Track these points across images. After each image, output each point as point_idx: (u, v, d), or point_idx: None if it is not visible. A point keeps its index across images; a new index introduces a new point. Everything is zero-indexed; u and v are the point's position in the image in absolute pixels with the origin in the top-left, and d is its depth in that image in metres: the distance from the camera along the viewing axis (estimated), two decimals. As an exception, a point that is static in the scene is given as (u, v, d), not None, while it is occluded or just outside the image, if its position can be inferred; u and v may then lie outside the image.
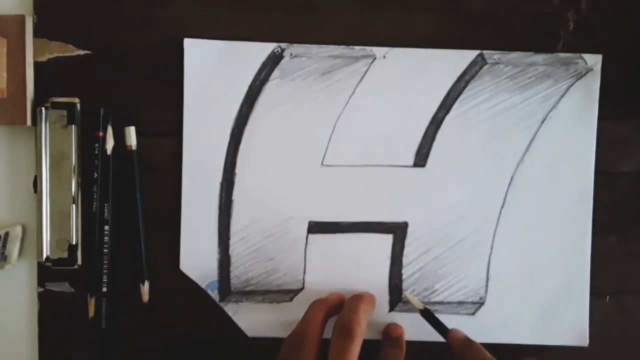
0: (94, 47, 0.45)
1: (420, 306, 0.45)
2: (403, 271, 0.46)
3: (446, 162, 0.46)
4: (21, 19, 0.44)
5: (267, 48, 0.46)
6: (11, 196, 0.46)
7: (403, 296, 0.46)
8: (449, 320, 0.46)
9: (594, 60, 0.46)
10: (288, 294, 0.47)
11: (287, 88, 0.46)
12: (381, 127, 0.46)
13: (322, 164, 0.46)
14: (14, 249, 0.46)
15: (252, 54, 0.46)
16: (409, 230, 0.46)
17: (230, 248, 0.46)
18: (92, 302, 0.46)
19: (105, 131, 0.45)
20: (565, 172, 0.46)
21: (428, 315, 0.45)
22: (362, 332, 0.41)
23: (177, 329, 0.46)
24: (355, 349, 0.40)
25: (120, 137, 0.45)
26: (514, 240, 0.46)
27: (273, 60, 0.46)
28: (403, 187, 0.46)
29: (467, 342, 0.44)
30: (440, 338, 0.46)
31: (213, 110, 0.46)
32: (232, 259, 0.46)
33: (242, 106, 0.46)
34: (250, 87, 0.46)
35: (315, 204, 0.46)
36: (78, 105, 0.45)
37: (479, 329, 0.46)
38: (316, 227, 0.46)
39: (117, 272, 0.46)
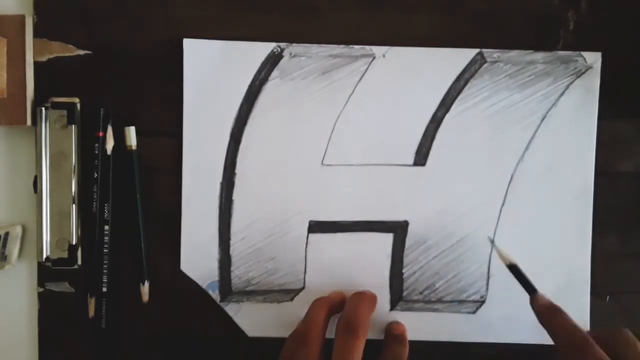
0: (94, 47, 0.46)
1: (508, 261, 0.44)
2: (404, 270, 0.46)
3: (446, 160, 0.46)
4: (21, 19, 0.44)
5: (266, 48, 0.46)
6: (11, 196, 0.46)
7: (493, 248, 0.46)
8: (449, 319, 0.46)
9: (594, 58, 0.46)
10: (289, 293, 0.46)
11: (287, 88, 0.46)
12: (381, 126, 0.46)
13: (322, 163, 0.46)
14: (14, 249, 0.46)
15: (252, 54, 0.46)
16: (410, 229, 0.46)
17: (231, 248, 0.46)
18: (92, 302, 0.46)
19: (105, 131, 0.45)
20: (565, 170, 0.46)
21: (515, 270, 0.44)
22: (365, 330, 0.41)
23: (177, 329, 0.46)
24: (360, 346, 0.40)
25: (120, 137, 0.45)
26: (514, 239, 0.46)
27: (272, 60, 0.46)
28: (403, 186, 0.46)
29: (553, 307, 0.42)
30: (441, 338, 0.46)
31: (213, 110, 0.46)
32: (233, 259, 0.46)
33: (242, 106, 0.46)
34: (250, 87, 0.46)
35: (315, 203, 0.46)
36: (78, 105, 0.45)
37: (480, 328, 0.46)
38: (316, 227, 0.46)
39: (117, 272, 0.46)
